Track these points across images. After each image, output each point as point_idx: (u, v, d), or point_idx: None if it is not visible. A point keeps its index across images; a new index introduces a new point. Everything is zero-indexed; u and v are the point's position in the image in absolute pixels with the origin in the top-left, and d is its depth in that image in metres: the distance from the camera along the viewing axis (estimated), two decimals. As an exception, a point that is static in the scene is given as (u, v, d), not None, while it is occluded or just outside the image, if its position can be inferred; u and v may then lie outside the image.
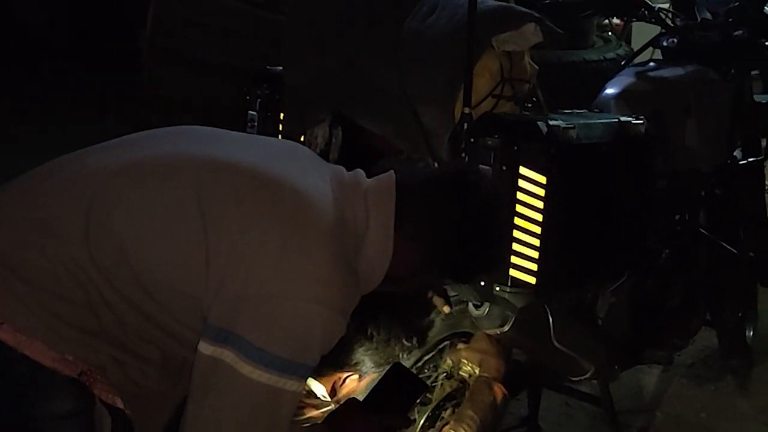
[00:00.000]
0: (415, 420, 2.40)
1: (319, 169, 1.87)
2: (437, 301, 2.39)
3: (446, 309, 2.44)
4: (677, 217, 3.25)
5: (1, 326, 1.64)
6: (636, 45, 4.04)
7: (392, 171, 1.89)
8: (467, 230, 1.87)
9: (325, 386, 2.41)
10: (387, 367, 2.21)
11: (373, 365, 2.43)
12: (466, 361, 2.58)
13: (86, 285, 1.66)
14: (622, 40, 4.53)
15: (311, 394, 2.40)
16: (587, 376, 2.90)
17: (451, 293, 2.51)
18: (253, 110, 2.68)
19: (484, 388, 2.49)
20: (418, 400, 2.01)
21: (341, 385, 2.41)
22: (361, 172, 1.91)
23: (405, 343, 2.47)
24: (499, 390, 2.48)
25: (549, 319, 2.58)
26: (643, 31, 4.11)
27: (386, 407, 1.94)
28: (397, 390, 1.96)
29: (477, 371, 2.56)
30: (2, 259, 1.67)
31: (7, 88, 6.98)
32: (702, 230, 3.32)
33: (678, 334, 3.35)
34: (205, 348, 1.71)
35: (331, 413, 2.01)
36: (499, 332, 2.50)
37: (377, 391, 1.98)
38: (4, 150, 5.43)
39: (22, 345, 1.65)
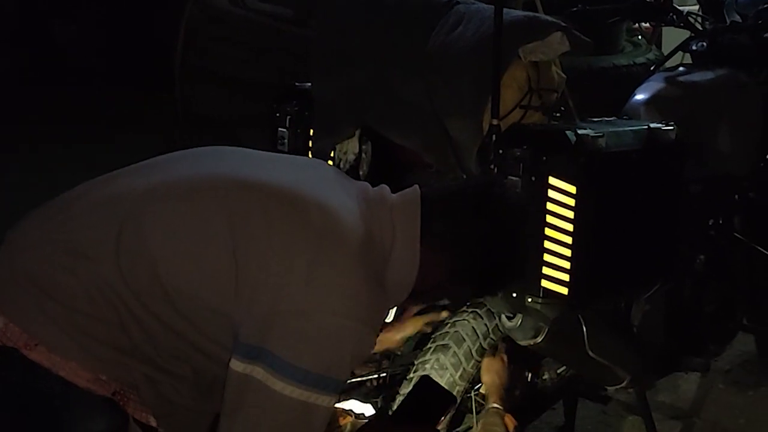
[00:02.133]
0: None
1: (344, 186, 1.88)
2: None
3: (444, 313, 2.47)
4: (711, 222, 3.23)
5: (36, 347, 1.66)
6: (667, 48, 4.02)
7: (416, 185, 1.90)
8: (492, 242, 1.87)
9: None
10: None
11: None
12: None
13: (117, 304, 1.68)
14: (652, 44, 4.50)
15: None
16: (623, 384, 2.88)
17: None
18: (283, 127, 2.69)
19: (495, 419, 2.47)
20: (446, 413, 2.01)
21: None
22: (386, 187, 1.92)
23: None
24: (510, 421, 2.46)
25: (583, 329, 2.57)
26: (674, 34, 4.08)
27: (415, 420, 1.94)
28: (426, 403, 1.96)
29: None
30: (35, 281, 1.69)
31: (43, 110, 7.09)
32: (737, 234, 3.29)
33: (714, 340, 3.32)
34: (236, 365, 1.72)
35: (361, 427, 2.02)
36: (532, 343, 2.49)
37: (405, 404, 1.98)
38: (40, 169, 5.50)
39: (57, 366, 1.67)
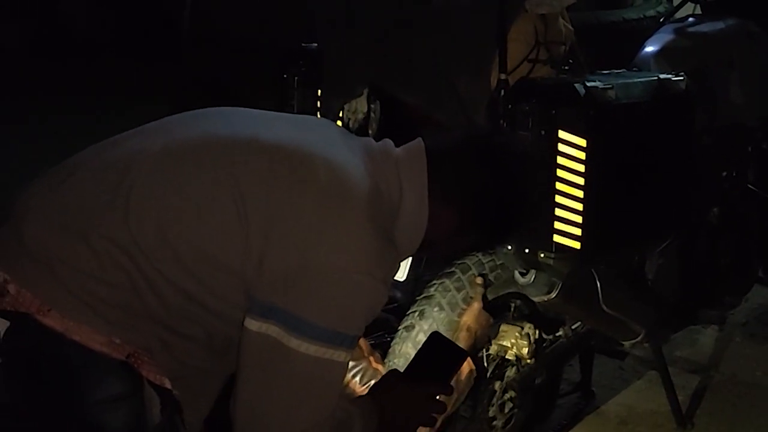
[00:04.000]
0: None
1: (348, 143, 1.87)
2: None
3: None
4: (724, 173, 3.21)
5: (49, 312, 1.66)
6: (677, 1, 3.97)
7: (420, 138, 1.88)
8: (498, 191, 1.86)
9: None
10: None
11: None
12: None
13: (128, 268, 1.68)
14: (663, -3, 4.44)
15: None
16: (638, 339, 2.87)
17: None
18: (291, 88, 2.68)
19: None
20: (458, 368, 2.00)
21: None
22: (389, 141, 1.91)
23: None
24: (466, 365, 2.46)
25: (596, 284, 2.57)
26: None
27: (427, 376, 1.93)
28: (437, 359, 1.95)
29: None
30: (45, 247, 1.68)
31: (50, 82, 7.07)
32: (750, 186, 3.27)
33: (730, 293, 3.31)
34: (251, 324, 1.71)
35: (374, 384, 2.02)
36: (546, 299, 2.49)
37: (417, 361, 1.97)
38: (47, 141, 5.50)
39: (71, 330, 1.66)
